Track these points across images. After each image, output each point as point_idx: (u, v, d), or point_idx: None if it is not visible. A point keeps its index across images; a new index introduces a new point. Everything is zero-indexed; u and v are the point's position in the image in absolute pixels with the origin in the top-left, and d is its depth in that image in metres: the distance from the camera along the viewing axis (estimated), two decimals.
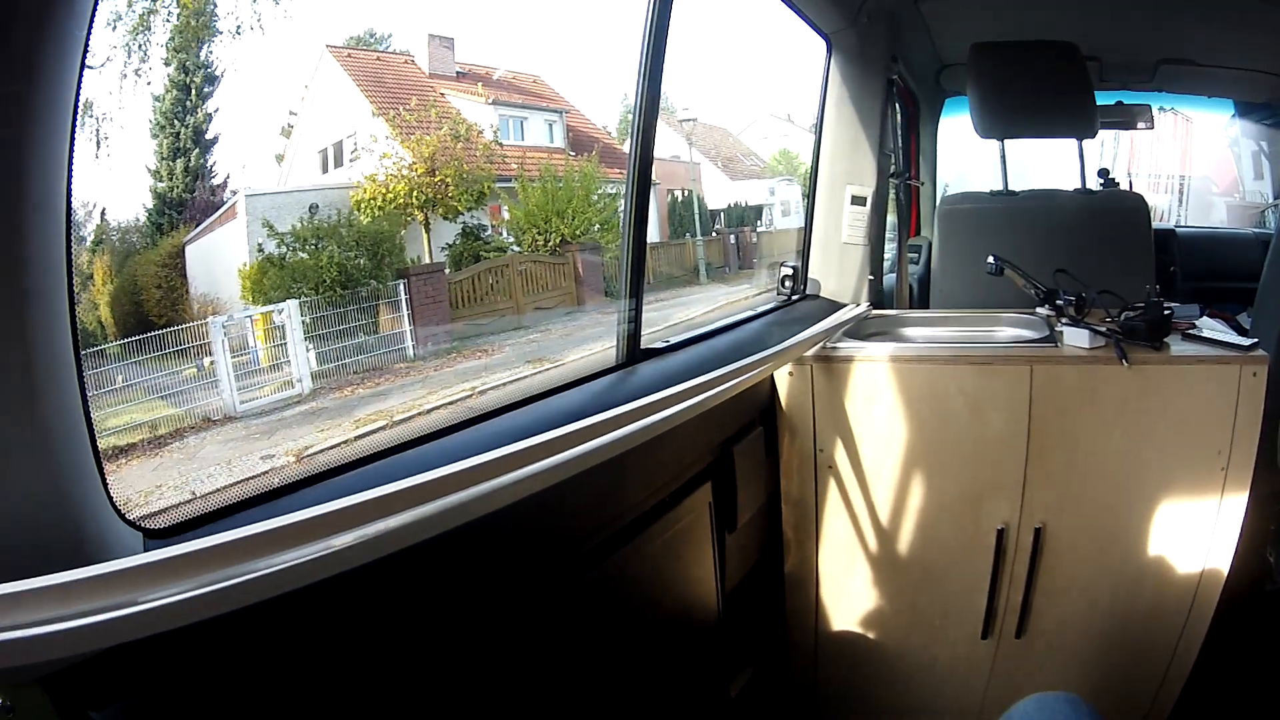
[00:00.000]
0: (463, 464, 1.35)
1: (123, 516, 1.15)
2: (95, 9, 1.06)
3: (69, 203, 1.04)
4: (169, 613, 0.96)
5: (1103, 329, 2.79)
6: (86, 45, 1.05)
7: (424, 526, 1.26)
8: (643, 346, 2.55)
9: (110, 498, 1.13)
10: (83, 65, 1.05)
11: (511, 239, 5.95)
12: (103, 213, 3.82)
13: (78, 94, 1.05)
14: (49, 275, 1.03)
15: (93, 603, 0.92)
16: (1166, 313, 2.74)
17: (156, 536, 1.20)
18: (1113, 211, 3.89)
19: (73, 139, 1.04)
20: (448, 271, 5.38)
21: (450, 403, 4.48)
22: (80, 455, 1.09)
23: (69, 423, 1.07)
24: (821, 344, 2.95)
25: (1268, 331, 3.09)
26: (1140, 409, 2.69)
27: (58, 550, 1.03)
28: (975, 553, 2.87)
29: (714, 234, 8.52)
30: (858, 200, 3.80)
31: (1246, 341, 2.68)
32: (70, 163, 1.04)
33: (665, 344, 2.67)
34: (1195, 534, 2.72)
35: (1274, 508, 3.02)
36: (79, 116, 1.06)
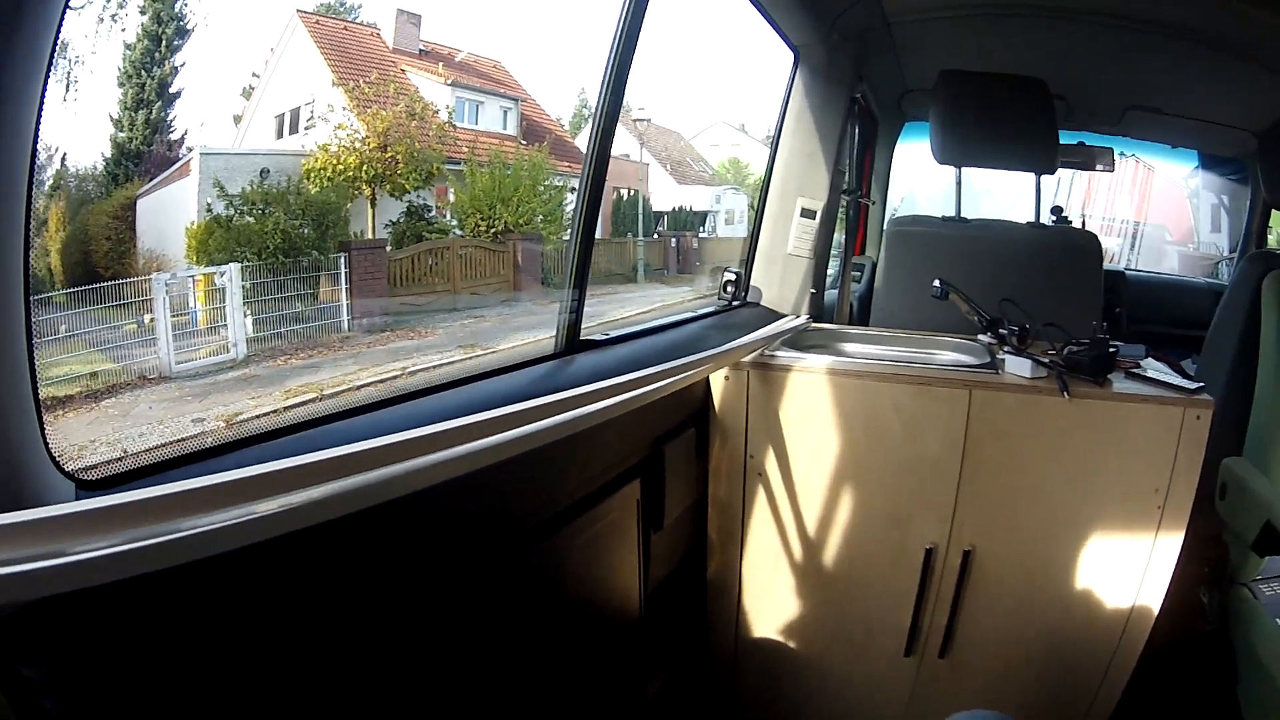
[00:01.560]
0: (395, 437, 1.34)
1: (58, 465, 1.13)
2: None
3: (35, 144, 1.03)
4: (100, 566, 0.94)
5: (1045, 360, 2.81)
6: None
7: (353, 498, 1.25)
8: (582, 338, 2.53)
9: (47, 445, 1.11)
10: (65, 5, 1.04)
11: (455, 222, 5.93)
12: (63, 158, 3.76)
13: (56, 35, 1.04)
14: (4, 213, 1.01)
15: (21, 550, 0.89)
16: (1112, 350, 2.77)
17: (90, 488, 1.17)
18: (1064, 248, 3.90)
19: (47, 78, 1.03)
20: (389, 249, 5.35)
21: (379, 381, 4.45)
22: (20, 399, 1.07)
23: (11, 366, 1.05)
24: (759, 351, 2.94)
25: (1213, 378, 3.12)
26: (1079, 442, 2.70)
27: None
28: (902, 570, 2.87)
29: (655, 235, 8.53)
30: (807, 213, 3.80)
31: (1192, 385, 2.70)
32: (41, 104, 1.03)
33: (605, 336, 2.65)
34: (1127, 570, 2.74)
35: (1209, 551, 3.04)
36: (55, 58, 1.04)
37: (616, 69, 2.53)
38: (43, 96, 1.02)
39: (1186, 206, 7.30)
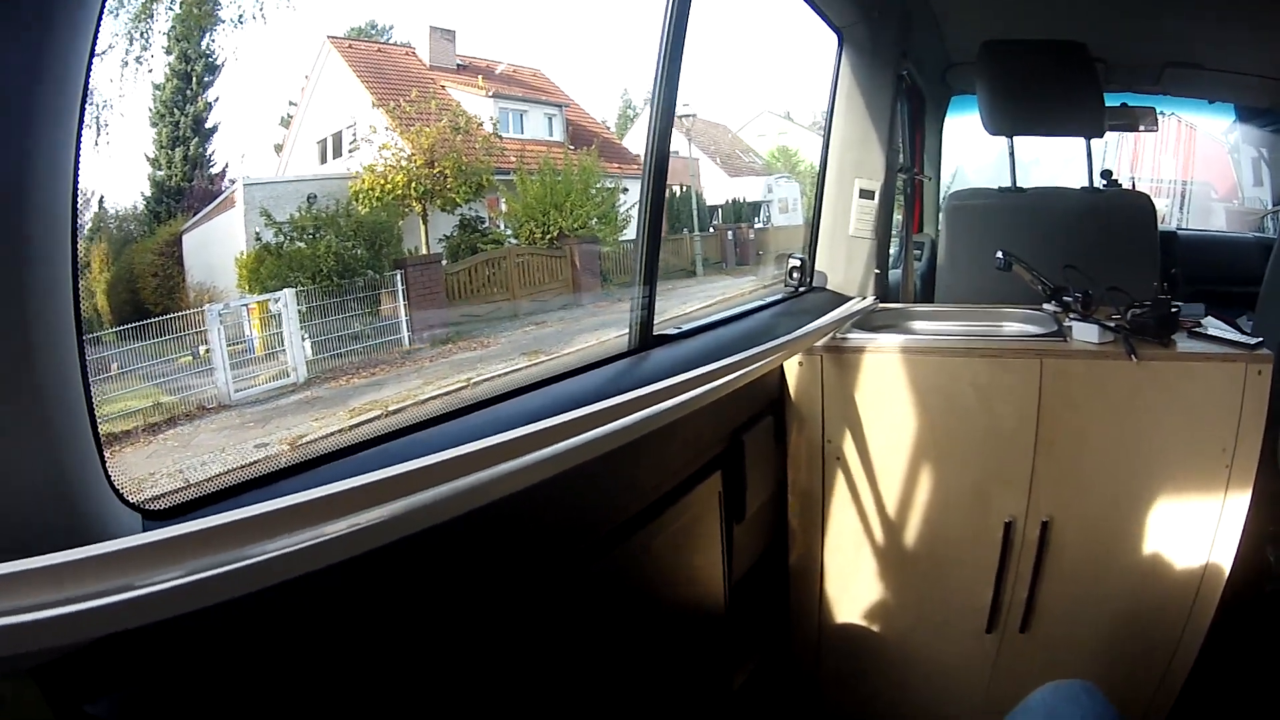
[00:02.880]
0: (473, 445, 1.32)
1: (122, 498, 1.12)
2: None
3: (75, 187, 1.03)
4: (168, 598, 0.92)
5: (1111, 324, 2.80)
6: (96, 33, 1.04)
7: (432, 511, 1.22)
8: (655, 333, 2.53)
9: (109, 478, 1.10)
10: (91, 55, 1.04)
11: (509, 231, 5.92)
12: (100, 201, 3.79)
13: (86, 82, 1.04)
14: (53, 257, 1.01)
15: (89, 586, 0.88)
16: (1174, 310, 2.76)
17: (156, 518, 1.17)
18: (1119, 210, 3.89)
19: (81, 123, 1.03)
20: (445, 263, 5.35)
21: (445, 393, 4.45)
22: (79, 434, 1.06)
23: (69, 401, 1.04)
24: (831, 335, 2.94)
25: (1270, 334, 3.10)
26: (1147, 404, 2.69)
27: (53, 531, 1.01)
28: (982, 546, 2.86)
29: (712, 229, 8.50)
30: (866, 193, 3.79)
31: (1252, 340, 2.69)
32: (78, 149, 1.03)
33: (677, 330, 2.65)
34: (1198, 531, 2.73)
35: (1275, 509, 3.02)
36: (86, 104, 1.04)
37: (667, 67, 2.52)
38: (78, 140, 1.02)
39: (1228, 162, 7.24)
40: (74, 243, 1.04)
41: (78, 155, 1.02)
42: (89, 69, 1.03)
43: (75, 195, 1.03)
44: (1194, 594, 2.77)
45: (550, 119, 6.43)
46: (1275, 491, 2.94)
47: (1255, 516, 2.72)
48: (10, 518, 0.97)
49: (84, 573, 0.88)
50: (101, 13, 1.04)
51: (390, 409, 4.24)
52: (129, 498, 1.13)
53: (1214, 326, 2.89)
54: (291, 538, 1.04)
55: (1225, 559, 2.73)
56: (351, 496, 1.12)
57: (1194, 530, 2.73)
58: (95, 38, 1.04)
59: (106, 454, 1.11)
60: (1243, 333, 2.83)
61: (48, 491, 1.02)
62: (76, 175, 1.03)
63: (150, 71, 3.93)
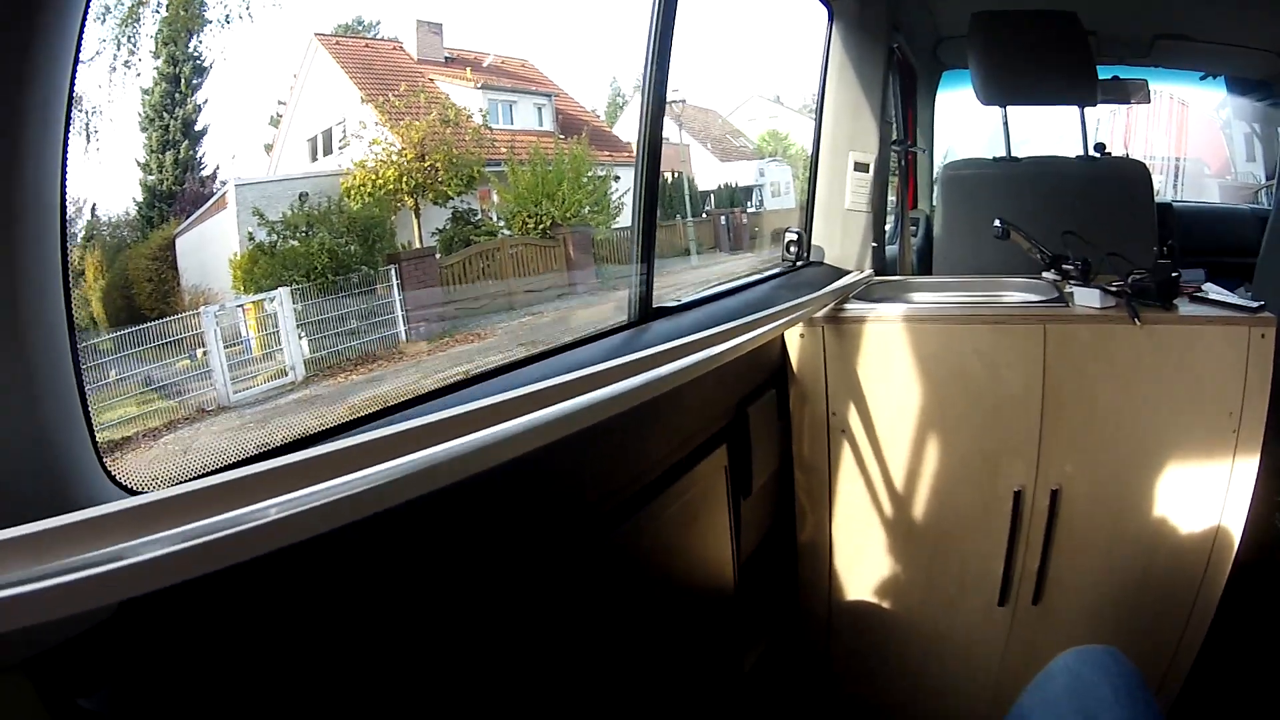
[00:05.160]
0: (473, 404, 1.28)
1: (111, 477, 1.09)
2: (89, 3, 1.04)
3: (64, 184, 1.02)
4: (160, 566, 0.88)
5: (1113, 289, 2.79)
6: (80, 39, 1.03)
7: (433, 475, 1.17)
8: (655, 305, 2.53)
9: (99, 454, 1.08)
10: (76, 59, 1.02)
11: (502, 222, 5.92)
12: (93, 208, 3.77)
13: (71, 86, 1.03)
14: (42, 237, 1.00)
15: (78, 553, 0.84)
16: (1175, 275, 2.75)
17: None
18: (1116, 178, 3.90)
19: (68, 128, 1.02)
20: (438, 256, 5.34)
21: (445, 386, 4.44)
22: (67, 406, 1.04)
23: (55, 369, 1.02)
24: (831, 305, 2.92)
25: (1272, 300, 3.11)
26: (1153, 369, 2.69)
27: (41, 509, 0.93)
28: (992, 517, 2.86)
29: (704, 215, 8.51)
30: (860, 167, 3.79)
31: (1254, 304, 2.70)
32: (66, 135, 1.02)
33: (677, 303, 2.65)
34: (1208, 496, 2.73)
35: None
36: (72, 108, 1.03)
37: (658, 47, 2.53)
38: (65, 144, 1.01)
39: (1221, 138, 7.26)
40: (63, 223, 1.03)
41: (65, 153, 1.02)
42: (75, 68, 1.02)
43: (64, 176, 1.02)
44: (1206, 560, 2.77)
45: (540, 109, 6.42)
46: None
47: (1264, 485, 2.73)
48: None
49: (71, 539, 0.85)
50: (86, 13, 1.03)
51: (389, 404, 4.22)
52: (121, 480, 1.11)
53: (1215, 292, 2.89)
54: (284, 499, 1.00)
55: (1236, 524, 2.73)
56: (351, 455, 1.08)
57: (1204, 496, 2.73)
58: (80, 38, 1.02)
59: (106, 459, 1.09)
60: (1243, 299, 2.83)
61: (36, 468, 1.00)
62: (64, 169, 1.02)
63: (138, 76, 3.91)
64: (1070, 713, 1.49)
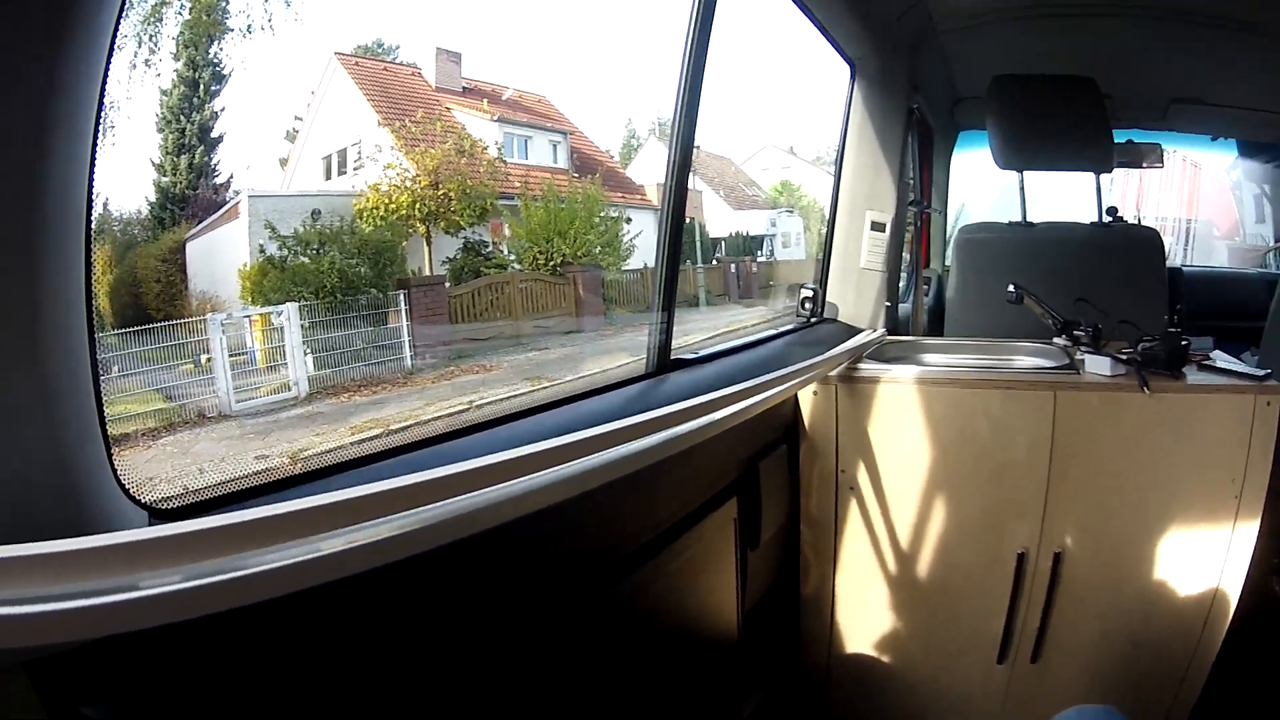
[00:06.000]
0: (489, 459, 1.29)
1: (130, 495, 1.11)
2: (123, 7, 1.05)
3: (90, 188, 1.04)
4: (173, 601, 0.89)
5: (1124, 357, 2.82)
6: (113, 41, 1.05)
7: (444, 528, 1.19)
8: (673, 357, 2.54)
9: (117, 475, 1.10)
10: (109, 60, 1.05)
11: (513, 256, 5.91)
12: (105, 203, 3.79)
13: (103, 87, 1.05)
14: (66, 255, 1.02)
15: (91, 580, 0.85)
16: (1185, 343, 2.78)
17: (163, 518, 1.15)
18: (1128, 245, 3.92)
19: (98, 123, 1.05)
20: (448, 285, 5.34)
21: (448, 414, 4.44)
22: (88, 429, 1.06)
23: (78, 396, 1.04)
24: (845, 364, 2.94)
25: (1278, 366, 3.13)
26: (1159, 436, 2.71)
27: (59, 525, 0.99)
28: (994, 577, 2.87)
29: (714, 262, 8.50)
30: (877, 226, 3.81)
31: (1261, 372, 2.72)
32: (94, 149, 1.04)
33: (694, 355, 2.66)
34: (1208, 562, 2.75)
35: None
36: (104, 107, 1.05)
37: (687, 100, 2.55)
38: (95, 142, 1.03)
39: (1230, 200, 7.27)
40: (88, 242, 1.05)
41: (94, 151, 1.04)
42: (105, 80, 1.05)
43: (90, 193, 1.04)
44: (1203, 621, 2.79)
45: (555, 146, 6.43)
46: None
47: (1264, 549, 2.74)
48: (16, 510, 0.96)
49: (84, 564, 0.86)
50: (118, 26, 1.05)
51: (392, 428, 4.23)
52: (137, 495, 1.12)
53: (1222, 359, 2.93)
54: (301, 546, 1.02)
55: (1234, 587, 2.75)
56: (364, 504, 1.09)
57: (1203, 560, 2.75)
58: (111, 50, 1.04)
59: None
60: (1250, 367, 2.85)
61: (55, 485, 1.01)
62: (92, 173, 1.04)
63: (158, 76, 3.93)
64: None
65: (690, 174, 2.69)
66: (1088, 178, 4.27)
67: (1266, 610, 3.02)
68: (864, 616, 3.05)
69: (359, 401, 4.37)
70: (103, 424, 1.08)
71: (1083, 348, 2.99)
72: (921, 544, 2.93)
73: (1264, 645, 3.06)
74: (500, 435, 1.78)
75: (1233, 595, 2.75)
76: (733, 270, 8.41)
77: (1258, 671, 3.10)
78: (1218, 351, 3.03)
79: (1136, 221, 5.68)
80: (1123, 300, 3.22)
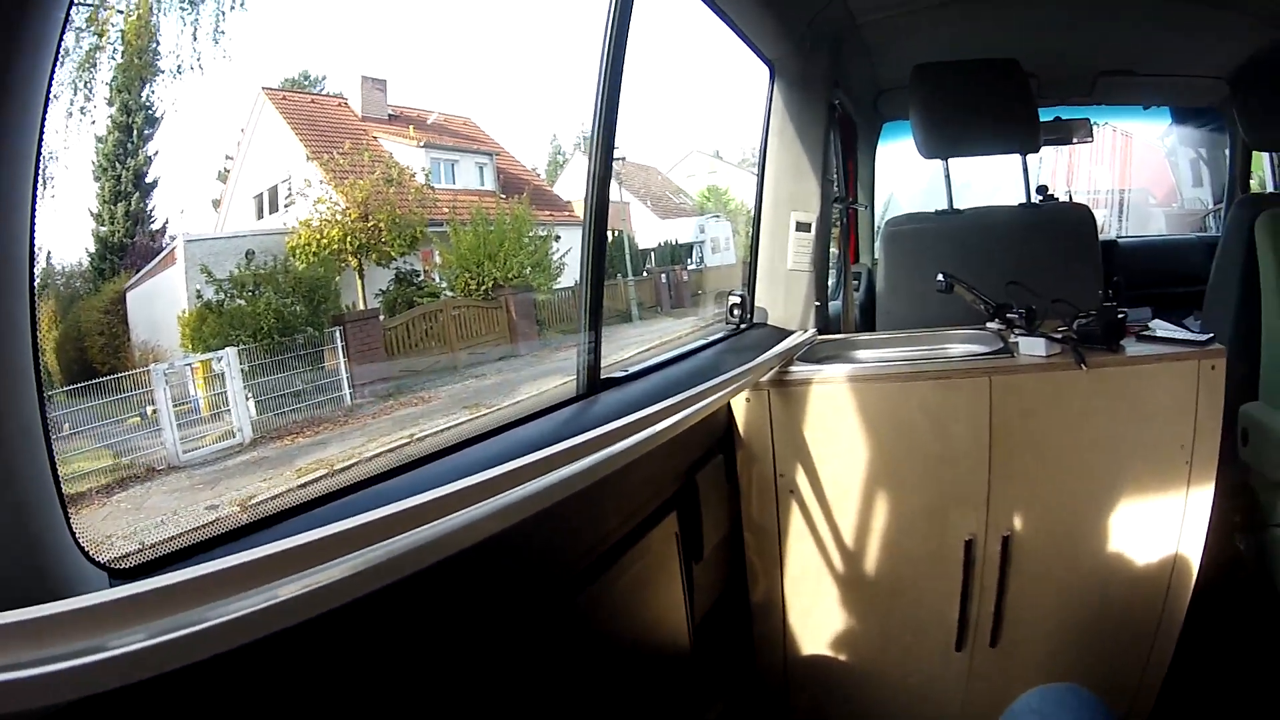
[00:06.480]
0: (424, 496, 1.28)
1: (87, 555, 1.09)
2: (62, 39, 1.03)
3: (32, 242, 1.03)
4: (140, 659, 0.87)
5: (1058, 336, 2.82)
6: (49, 92, 1.03)
7: (393, 566, 1.18)
8: (602, 377, 2.52)
9: (74, 535, 1.07)
10: (45, 111, 1.03)
11: (444, 284, 5.89)
12: (48, 256, 3.74)
13: (40, 139, 1.03)
14: (10, 311, 1.01)
15: (57, 646, 0.83)
16: (1120, 316, 2.78)
17: (122, 577, 1.13)
18: (1059, 223, 3.92)
19: (37, 174, 1.03)
20: (382, 318, 5.32)
21: (389, 449, 4.43)
22: (42, 489, 1.03)
23: (30, 455, 1.02)
24: (776, 368, 2.93)
25: (1220, 329, 3.13)
26: (1102, 411, 2.72)
27: (17, 588, 0.98)
28: (944, 566, 2.87)
29: (645, 273, 8.50)
30: (802, 226, 3.79)
31: (1202, 337, 2.73)
32: (34, 204, 1.03)
33: (625, 373, 2.64)
34: (1164, 529, 2.75)
35: (1239, 499, 3.05)
36: (42, 151, 1.03)
37: (605, 114, 2.53)
38: (34, 194, 1.02)
39: (1166, 166, 7.29)
40: (32, 300, 1.04)
41: (34, 203, 1.03)
42: (42, 131, 1.03)
43: (33, 250, 1.03)
44: (1164, 590, 2.80)
45: (481, 168, 6.42)
46: (1239, 482, 2.98)
47: (1221, 508, 2.75)
48: None
49: (51, 630, 0.84)
50: (53, 75, 1.03)
51: (336, 467, 4.20)
52: (95, 556, 1.11)
53: (1162, 329, 2.92)
54: (258, 594, 1.00)
55: (1194, 552, 2.76)
56: (312, 550, 1.08)
57: (1159, 529, 2.76)
58: (47, 101, 1.03)
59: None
60: (1191, 332, 2.85)
61: (13, 550, 0.99)
62: (33, 225, 1.03)
63: (93, 123, 3.89)
64: None
65: (614, 186, 2.66)
66: (1017, 159, 4.27)
67: (1231, 567, 3.03)
68: (817, 617, 3.03)
69: (302, 443, 4.35)
70: (58, 485, 1.06)
71: (1016, 331, 2.97)
72: (867, 540, 2.91)
73: (1232, 601, 3.07)
74: (441, 469, 1.76)
75: (1194, 559, 2.76)
76: (664, 280, 8.42)
77: (1229, 628, 3.11)
78: (1158, 321, 3.03)
79: (1068, 197, 5.69)
80: (1057, 279, 3.21)
